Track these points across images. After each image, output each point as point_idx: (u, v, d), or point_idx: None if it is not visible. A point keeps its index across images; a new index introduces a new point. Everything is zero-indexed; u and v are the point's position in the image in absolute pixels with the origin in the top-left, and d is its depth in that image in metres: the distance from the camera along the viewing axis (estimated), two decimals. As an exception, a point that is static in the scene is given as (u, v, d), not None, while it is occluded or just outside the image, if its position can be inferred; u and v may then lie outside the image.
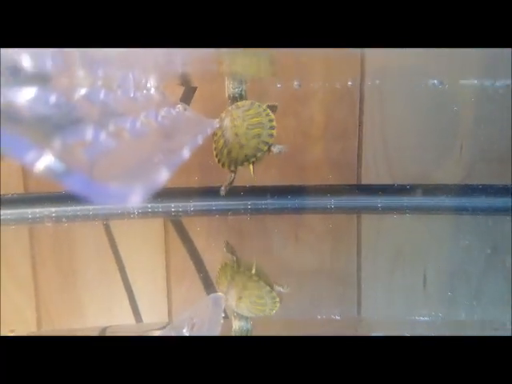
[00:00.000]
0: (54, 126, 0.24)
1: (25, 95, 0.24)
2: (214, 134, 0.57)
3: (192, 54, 0.38)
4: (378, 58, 0.59)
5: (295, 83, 0.66)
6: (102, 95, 0.34)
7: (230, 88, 0.57)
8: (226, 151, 0.55)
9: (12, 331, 0.42)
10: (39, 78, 0.28)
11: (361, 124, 0.69)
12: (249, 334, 0.41)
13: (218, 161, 0.57)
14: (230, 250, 0.59)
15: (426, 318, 0.42)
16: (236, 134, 0.54)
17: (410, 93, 0.68)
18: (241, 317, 0.43)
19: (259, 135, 0.54)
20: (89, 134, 0.25)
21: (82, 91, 0.31)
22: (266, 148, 0.54)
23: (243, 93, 0.57)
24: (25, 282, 0.56)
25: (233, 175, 0.57)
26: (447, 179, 0.69)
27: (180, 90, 0.64)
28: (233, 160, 0.55)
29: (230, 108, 0.57)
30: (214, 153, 0.57)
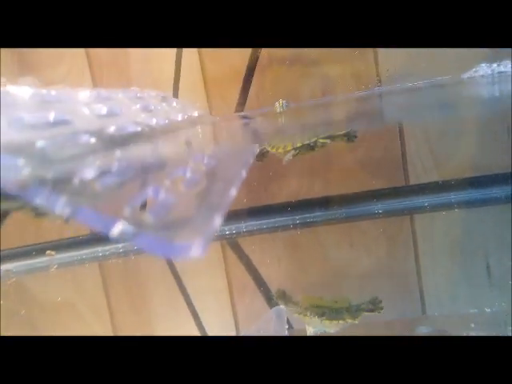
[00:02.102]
0: (120, 191, 0.28)
1: (93, 170, 0.28)
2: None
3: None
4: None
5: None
6: (150, 150, 0.37)
7: (277, 106, 0.60)
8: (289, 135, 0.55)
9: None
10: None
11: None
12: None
13: (276, 148, 0.56)
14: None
15: (489, 310, 0.43)
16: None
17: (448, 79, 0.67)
18: (315, 322, 0.45)
19: None
20: (150, 194, 0.29)
21: (135, 151, 0.35)
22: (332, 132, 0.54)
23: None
24: (100, 311, 0.61)
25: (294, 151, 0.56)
26: (497, 167, 0.67)
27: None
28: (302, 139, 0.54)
29: None
30: (272, 148, 0.57)
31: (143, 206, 0.28)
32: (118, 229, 0.23)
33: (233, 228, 0.70)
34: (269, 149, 0.57)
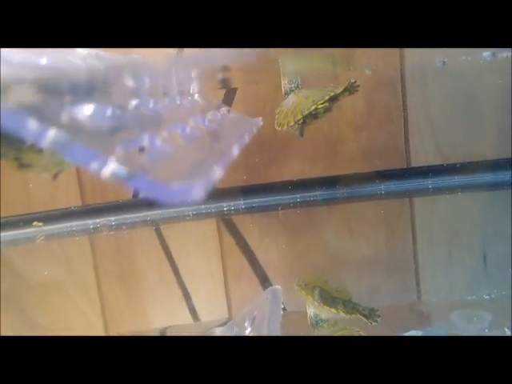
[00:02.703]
0: (113, 136, 0.26)
1: (85, 110, 0.26)
2: (276, 113, 0.56)
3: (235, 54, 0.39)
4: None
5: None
6: (151, 104, 0.35)
7: (285, 84, 0.55)
8: (291, 110, 0.53)
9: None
10: (95, 94, 0.30)
11: (405, 107, 0.69)
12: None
13: (281, 125, 0.54)
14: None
15: (487, 297, 0.42)
16: (300, 93, 0.53)
17: (454, 68, 0.66)
18: (315, 305, 0.44)
19: (325, 89, 0.53)
20: (145, 141, 0.27)
21: (134, 102, 0.33)
22: (332, 94, 0.52)
23: (300, 86, 0.55)
24: (89, 289, 0.59)
25: (299, 125, 0.53)
26: (499, 156, 0.67)
27: (221, 93, 0.66)
28: (299, 110, 0.53)
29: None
30: (278, 126, 0.55)
31: (140, 150, 0.27)
32: (109, 168, 0.21)
33: (231, 205, 0.69)
34: (277, 128, 0.55)
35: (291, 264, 0.58)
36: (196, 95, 0.50)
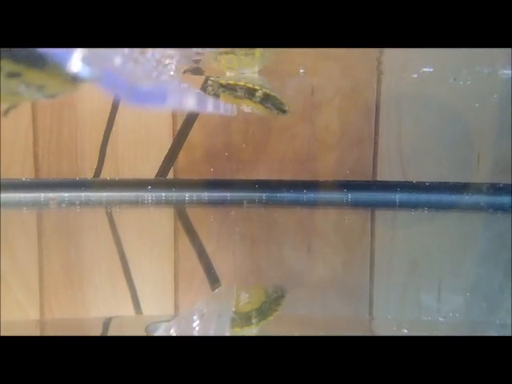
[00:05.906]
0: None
1: None
2: None
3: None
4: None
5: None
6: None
7: None
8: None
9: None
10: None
11: (377, 133, 0.70)
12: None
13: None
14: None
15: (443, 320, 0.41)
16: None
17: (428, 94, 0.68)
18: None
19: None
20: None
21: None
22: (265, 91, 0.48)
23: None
24: (29, 274, 0.54)
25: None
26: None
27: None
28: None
29: None
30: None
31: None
32: (76, 65, 0.20)
33: (194, 195, 0.67)
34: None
35: (245, 275, 0.57)
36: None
